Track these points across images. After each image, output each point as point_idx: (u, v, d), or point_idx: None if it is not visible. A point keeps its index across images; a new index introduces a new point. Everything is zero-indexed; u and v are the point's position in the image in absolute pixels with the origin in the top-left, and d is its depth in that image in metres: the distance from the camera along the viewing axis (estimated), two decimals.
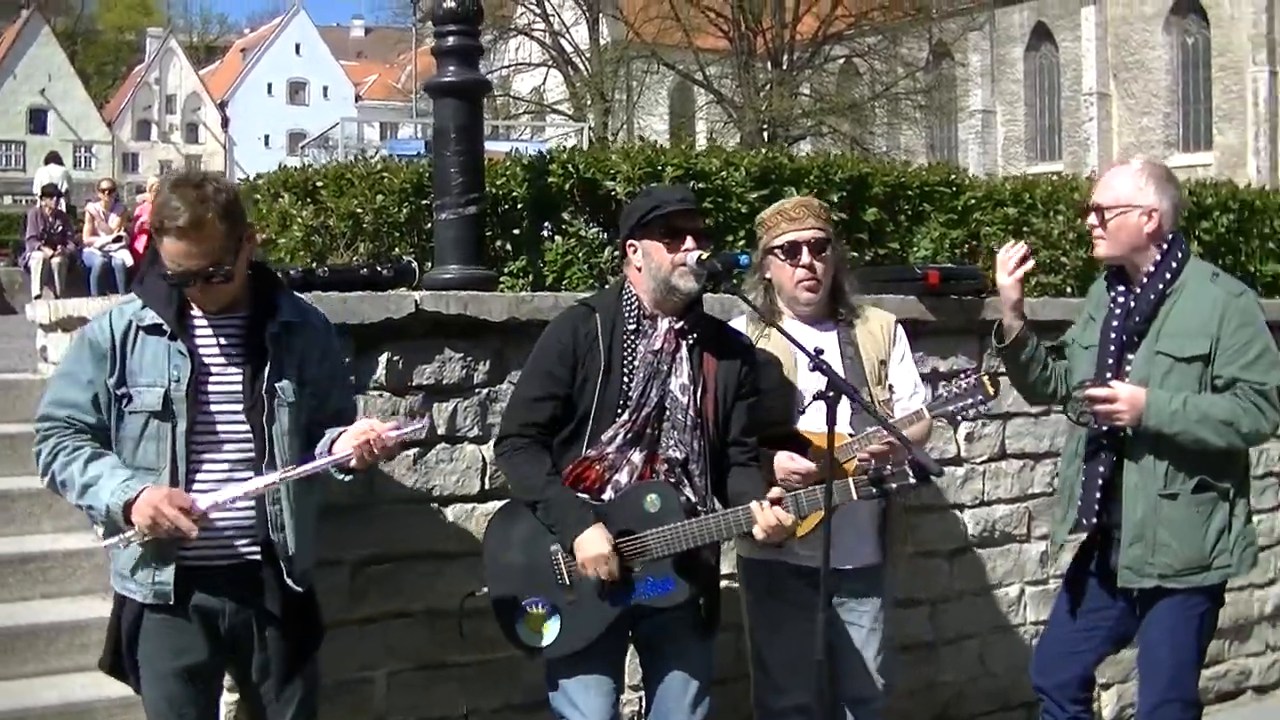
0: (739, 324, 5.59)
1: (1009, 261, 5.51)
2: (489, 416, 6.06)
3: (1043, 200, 9.10)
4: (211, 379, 4.56)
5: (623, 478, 4.99)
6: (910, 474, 4.89)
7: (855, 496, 4.98)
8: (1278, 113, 62.41)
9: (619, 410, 4.99)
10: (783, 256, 5.55)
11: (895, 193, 8.56)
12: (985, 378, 5.46)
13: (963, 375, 5.45)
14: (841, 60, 53.43)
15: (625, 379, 5.00)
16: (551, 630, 4.99)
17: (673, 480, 5.02)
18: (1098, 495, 5.49)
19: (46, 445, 4.52)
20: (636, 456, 5.01)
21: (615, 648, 5.13)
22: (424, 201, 7.45)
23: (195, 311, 4.58)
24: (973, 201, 8.86)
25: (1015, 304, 5.56)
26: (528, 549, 5.04)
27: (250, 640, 4.67)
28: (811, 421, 5.35)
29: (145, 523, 4.27)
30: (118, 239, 20.63)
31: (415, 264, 6.83)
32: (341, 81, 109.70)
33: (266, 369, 4.57)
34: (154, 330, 4.52)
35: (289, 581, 4.63)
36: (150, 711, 4.70)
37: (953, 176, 9.04)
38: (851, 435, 5.41)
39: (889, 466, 4.99)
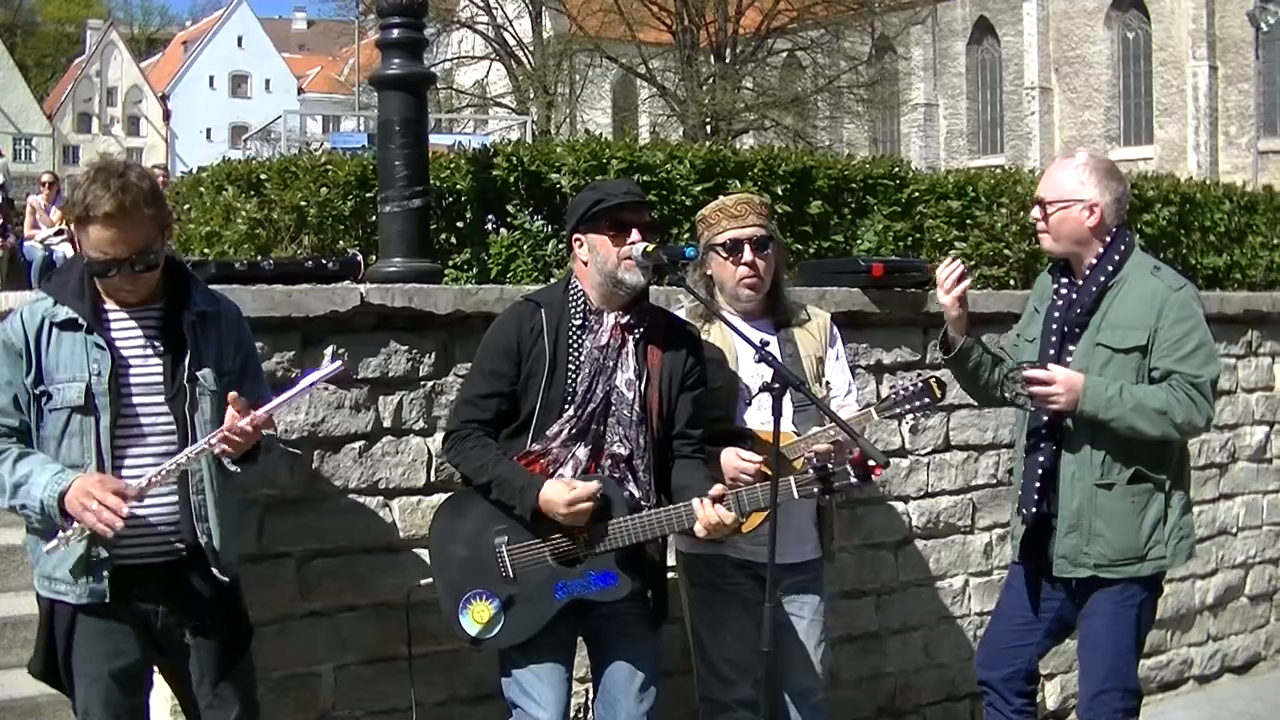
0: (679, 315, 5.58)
1: (947, 280, 5.52)
2: (435, 409, 6.05)
3: (986, 194, 9.17)
4: (131, 371, 4.51)
5: (567, 472, 4.98)
6: (851, 474, 4.93)
7: (796, 495, 5.00)
8: (1217, 108, 62.91)
9: (564, 406, 4.99)
10: (724, 254, 5.56)
11: (839, 186, 8.60)
12: (932, 380, 5.49)
13: (910, 377, 5.48)
14: (784, 54, 53.51)
15: (571, 375, 5.00)
16: (495, 622, 5.00)
17: (617, 476, 5.03)
18: (1037, 485, 5.54)
19: None
20: (581, 452, 5.01)
21: (567, 638, 5.14)
22: (369, 194, 7.45)
23: (109, 305, 4.54)
24: (916, 195, 8.92)
25: (957, 320, 5.58)
26: (472, 542, 5.05)
27: (181, 640, 4.65)
28: (756, 417, 5.38)
29: (78, 510, 4.24)
30: (59, 232, 20.45)
31: (360, 257, 6.81)
32: (284, 74, 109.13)
33: (187, 358, 4.54)
34: (69, 325, 4.47)
35: (216, 573, 4.60)
36: (83, 714, 4.64)
37: (896, 170, 9.10)
38: (796, 433, 5.44)
39: (831, 465, 5.01)
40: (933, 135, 72.74)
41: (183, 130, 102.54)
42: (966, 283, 5.54)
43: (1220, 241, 10.39)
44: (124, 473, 4.44)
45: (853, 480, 4.93)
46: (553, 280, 6.75)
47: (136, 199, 4.35)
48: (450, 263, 7.48)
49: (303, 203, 7.69)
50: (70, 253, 18.24)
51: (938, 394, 5.47)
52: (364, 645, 5.83)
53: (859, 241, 8.57)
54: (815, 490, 4.99)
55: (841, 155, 9.61)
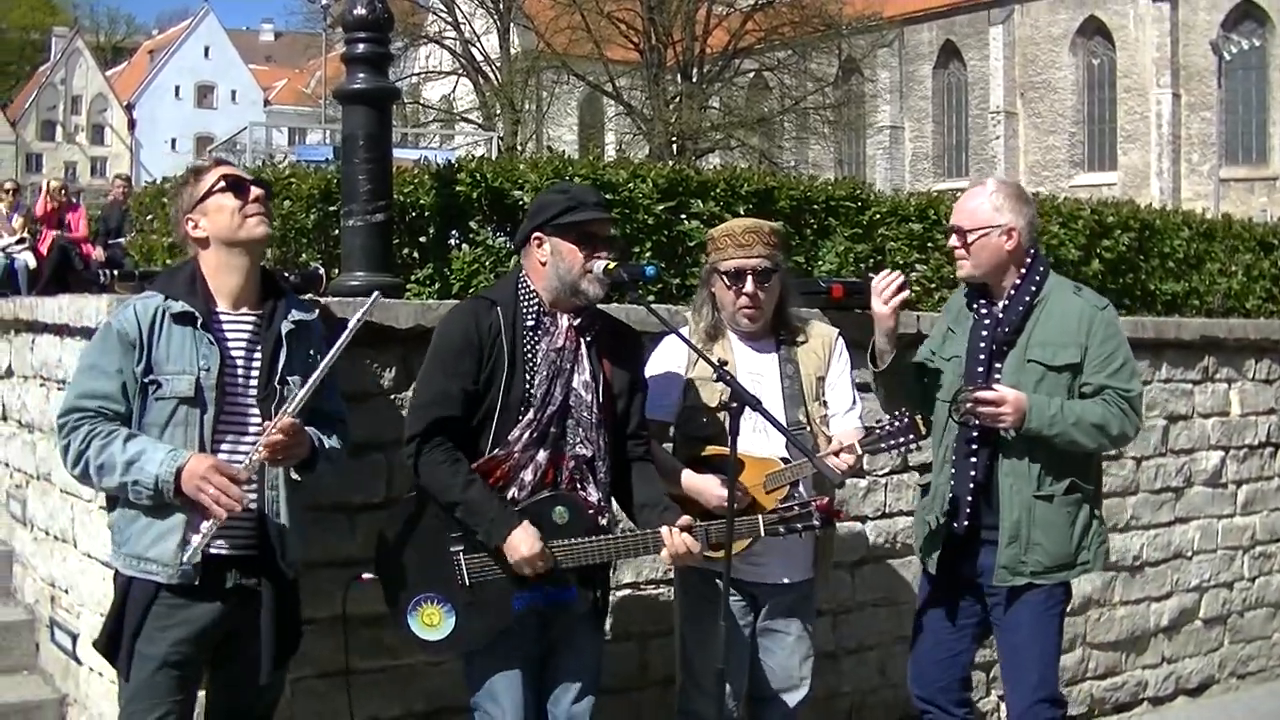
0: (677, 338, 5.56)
1: (885, 290, 5.63)
2: (394, 424, 6.03)
3: (947, 217, 9.16)
4: (236, 369, 4.74)
5: (528, 476, 5.01)
6: (815, 518, 5.12)
7: (762, 534, 5.16)
8: (1180, 135, 63.36)
9: (523, 409, 5.00)
10: (728, 281, 5.61)
11: (801, 206, 8.64)
12: (918, 418, 5.52)
13: (896, 415, 5.50)
14: (751, 74, 53.73)
15: (528, 377, 5.01)
16: (445, 627, 5.04)
17: (578, 478, 5.06)
18: (969, 499, 5.67)
19: (77, 435, 4.59)
20: (542, 456, 5.02)
21: (531, 645, 5.13)
22: (332, 208, 7.44)
23: (219, 306, 4.77)
24: (878, 217, 8.96)
25: (889, 331, 5.69)
26: (428, 546, 5.07)
27: (244, 632, 4.79)
28: (746, 442, 5.35)
29: (194, 490, 4.45)
30: (20, 240, 20.36)
31: (322, 270, 6.82)
32: (250, 86, 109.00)
33: (281, 362, 4.76)
34: (182, 319, 4.68)
35: (282, 565, 4.80)
36: (130, 698, 4.74)
37: (858, 191, 9.13)
38: (785, 461, 5.49)
39: (796, 507, 5.14)
40: (898, 157, 73.10)
41: (147, 140, 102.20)
42: (905, 294, 5.66)
43: (1179, 268, 10.47)
44: None
45: (815, 523, 5.17)
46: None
47: None
48: (412, 278, 7.48)
49: None
50: (32, 262, 18.03)
51: (922, 431, 5.52)
52: (321, 659, 5.82)
53: (820, 262, 8.60)
54: (781, 531, 5.16)
55: (806, 176, 9.64)
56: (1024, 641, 5.72)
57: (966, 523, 5.69)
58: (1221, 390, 9.52)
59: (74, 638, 6.37)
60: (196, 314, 4.66)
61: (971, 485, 5.67)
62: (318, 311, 5.10)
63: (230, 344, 4.73)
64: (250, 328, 4.80)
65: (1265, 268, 11.21)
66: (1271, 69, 62.25)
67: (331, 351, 4.68)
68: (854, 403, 5.84)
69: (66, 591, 6.58)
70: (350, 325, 4.73)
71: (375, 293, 5.01)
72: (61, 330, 6.43)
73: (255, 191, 4.82)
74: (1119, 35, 65.60)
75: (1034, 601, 5.68)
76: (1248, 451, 9.71)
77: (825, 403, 5.75)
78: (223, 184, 4.78)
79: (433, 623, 5.05)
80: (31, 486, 7.17)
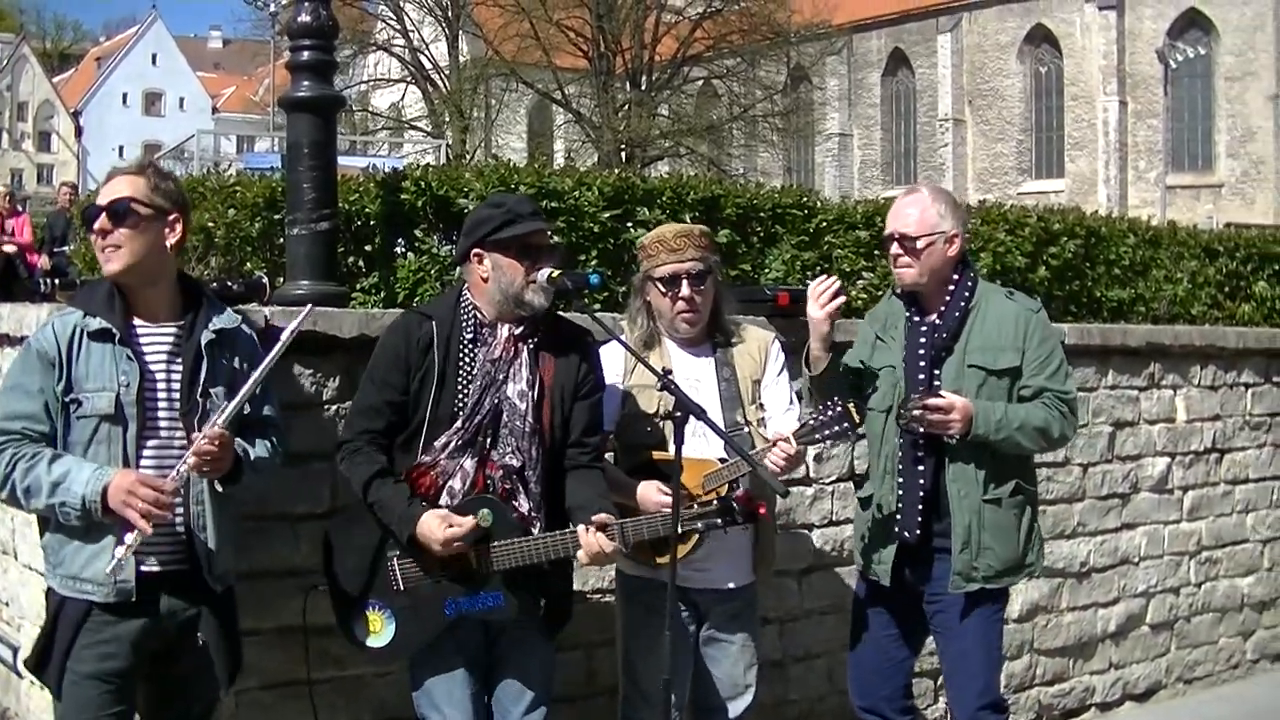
0: (615, 347, 5.56)
1: (822, 295, 5.68)
2: (338, 433, 6.01)
3: None
4: (156, 384, 4.69)
5: (456, 484, 5.00)
6: (737, 513, 5.08)
7: (679, 531, 5.06)
8: (1127, 142, 63.77)
9: (455, 418, 5.00)
10: (663, 287, 5.61)
11: (747, 214, 8.64)
12: (851, 406, 5.49)
13: (827, 404, 5.49)
14: (700, 82, 53.81)
15: (462, 388, 5.01)
16: (387, 632, 5.06)
17: (508, 487, 5.05)
18: (918, 509, 5.68)
19: (2, 459, 4.56)
20: (469, 463, 5.02)
21: (476, 652, 5.13)
22: (277, 216, 7.40)
23: (137, 320, 4.72)
24: (825, 224, 8.97)
25: (825, 336, 5.75)
26: (366, 552, 5.09)
27: (176, 649, 4.80)
28: (685, 446, 5.34)
29: (120, 505, 4.40)
30: None
31: (266, 279, 6.77)
32: (198, 93, 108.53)
33: (203, 375, 4.73)
34: (100, 336, 4.64)
35: (209, 579, 4.76)
36: (64, 715, 4.72)
37: (805, 199, 9.14)
38: (723, 461, 5.49)
39: (716, 503, 5.12)
40: (847, 165, 73.33)
41: (94, 147, 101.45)
42: (841, 299, 5.71)
43: (1125, 275, 10.51)
44: None
45: (737, 519, 5.09)
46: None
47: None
48: (358, 286, 7.45)
49: (210, 223, 7.64)
50: None
51: (856, 419, 5.48)
52: (265, 670, 5.79)
53: (766, 270, 8.60)
54: (699, 527, 5.13)
55: (754, 184, 9.64)
56: (970, 647, 5.75)
57: (919, 531, 5.70)
58: (1167, 397, 9.57)
59: (14, 650, 6.32)
60: (114, 330, 4.62)
61: (920, 494, 5.69)
62: (240, 320, 5.02)
63: (149, 358, 4.69)
64: (170, 340, 4.76)
65: (1210, 274, 11.26)
66: (1216, 77, 62.73)
67: (261, 366, 4.66)
68: (791, 402, 5.84)
69: (7, 604, 6.53)
70: (281, 339, 4.71)
71: (309, 305, 5.01)
72: (3, 340, 6.38)
73: (97, 224, 4.69)
74: (1066, 43, 65.98)
75: (980, 608, 5.72)
76: (1194, 458, 9.76)
77: (762, 405, 5.75)
78: (82, 218, 4.74)
79: (375, 629, 5.07)
80: None
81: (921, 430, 5.58)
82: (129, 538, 4.44)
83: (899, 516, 5.75)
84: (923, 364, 5.71)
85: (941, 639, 5.87)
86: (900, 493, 5.75)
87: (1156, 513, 9.51)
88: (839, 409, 5.46)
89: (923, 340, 5.73)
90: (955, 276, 5.75)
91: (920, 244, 5.68)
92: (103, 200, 4.70)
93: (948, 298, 5.73)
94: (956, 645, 5.80)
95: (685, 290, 5.58)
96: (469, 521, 4.87)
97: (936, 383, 5.65)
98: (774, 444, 5.40)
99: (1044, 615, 8.79)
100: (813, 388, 5.87)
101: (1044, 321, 5.83)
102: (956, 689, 5.88)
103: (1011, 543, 5.72)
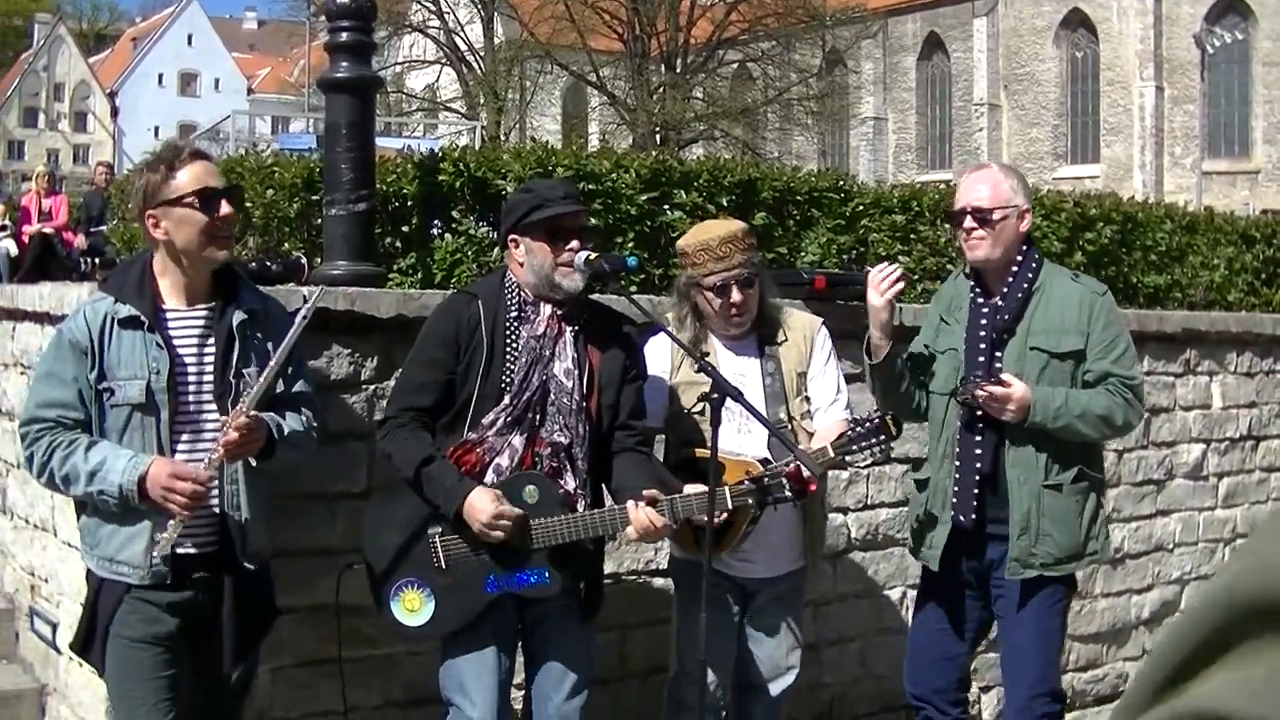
0: (660, 341, 5.59)
1: (883, 283, 5.59)
2: (375, 413, 6.03)
3: (930, 208, 9.22)
4: (188, 369, 4.72)
5: (504, 461, 5.01)
6: (787, 487, 5.06)
7: (730, 505, 5.09)
8: (1163, 128, 63.37)
9: (502, 395, 5.01)
10: (713, 295, 5.57)
11: (784, 198, 8.64)
12: (889, 418, 5.44)
13: (866, 418, 5.47)
14: (735, 65, 53.65)
15: (508, 364, 5.02)
16: (426, 611, 5.05)
17: (555, 465, 5.05)
18: (974, 492, 5.61)
19: (40, 447, 4.60)
20: (517, 440, 5.02)
21: (506, 633, 5.13)
22: (314, 197, 7.42)
23: (166, 304, 4.74)
24: (861, 208, 8.97)
25: (885, 324, 5.65)
26: (406, 530, 5.09)
27: (211, 622, 4.81)
28: (730, 443, 5.34)
29: (159, 494, 4.46)
30: (2, 228, 20.31)
31: (304, 259, 6.81)
32: (233, 74, 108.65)
33: (235, 357, 4.74)
34: (129, 323, 4.64)
35: (243, 559, 4.78)
36: (118, 680, 4.75)
37: (841, 183, 9.14)
38: (768, 461, 5.43)
39: (766, 478, 5.10)
40: (881, 149, 73.06)
41: (130, 127, 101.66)
42: (901, 286, 5.62)
43: (1161, 261, 10.49)
44: None
45: (787, 494, 5.07)
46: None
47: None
48: (395, 267, 7.46)
49: (248, 204, 7.67)
50: (13, 249, 18.04)
51: (893, 431, 5.44)
52: (300, 648, 5.82)
53: (802, 254, 8.60)
54: (750, 501, 5.09)
55: (789, 167, 9.64)
56: (1028, 636, 5.66)
57: (974, 516, 5.63)
58: (1203, 383, 9.54)
59: (54, 627, 6.36)
60: (143, 318, 4.63)
61: (977, 478, 5.61)
62: (269, 300, 5.05)
63: (180, 343, 4.71)
64: (202, 323, 4.77)
65: (1247, 261, 11.24)
66: (1254, 62, 62.27)
67: (282, 346, 4.66)
68: (839, 391, 5.79)
69: (46, 580, 6.57)
70: (297, 320, 4.69)
71: (321, 287, 5.03)
72: (43, 318, 6.42)
73: (225, 210, 4.71)
74: (1102, 28, 65.59)
75: (1040, 596, 5.63)
76: (1229, 444, 9.73)
77: (808, 398, 5.73)
78: (195, 200, 4.65)
79: (414, 608, 5.06)
80: (12, 475, 7.16)
81: (978, 405, 5.50)
82: (170, 525, 4.49)
83: (954, 500, 5.68)
84: (983, 346, 5.61)
85: (1002, 625, 5.78)
86: (958, 475, 5.67)
87: (1191, 499, 9.49)
88: (877, 421, 5.42)
89: (984, 322, 5.63)
90: (1019, 257, 5.65)
91: (995, 216, 5.56)
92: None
93: (1010, 279, 5.63)
94: (1013, 633, 5.72)
95: (736, 296, 5.54)
96: (516, 511, 4.87)
97: (998, 365, 5.55)
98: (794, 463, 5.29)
99: (1078, 601, 8.74)
100: (873, 376, 5.82)
101: (1110, 305, 5.69)
102: (1011, 677, 5.80)
103: (1073, 529, 5.60)
